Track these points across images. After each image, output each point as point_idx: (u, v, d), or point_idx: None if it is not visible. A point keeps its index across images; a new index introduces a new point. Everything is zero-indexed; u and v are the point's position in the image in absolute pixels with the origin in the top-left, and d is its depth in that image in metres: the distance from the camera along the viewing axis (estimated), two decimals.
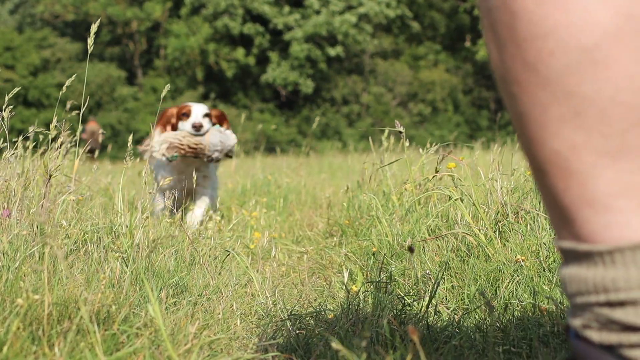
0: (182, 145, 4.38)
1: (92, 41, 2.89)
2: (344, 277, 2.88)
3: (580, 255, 0.91)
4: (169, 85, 3.40)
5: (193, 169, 4.57)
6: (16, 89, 2.96)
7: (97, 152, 12.36)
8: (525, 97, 0.91)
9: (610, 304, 0.88)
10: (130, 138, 3.39)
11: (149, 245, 2.78)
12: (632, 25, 0.85)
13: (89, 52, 3.05)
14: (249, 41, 34.83)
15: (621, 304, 0.87)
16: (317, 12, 33.48)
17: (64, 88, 3.09)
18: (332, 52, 33.41)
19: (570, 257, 0.93)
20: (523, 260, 2.50)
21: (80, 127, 3.32)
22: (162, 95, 3.35)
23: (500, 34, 0.92)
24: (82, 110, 3.13)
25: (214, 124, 4.68)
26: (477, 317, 2.24)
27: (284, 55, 34.12)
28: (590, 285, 0.89)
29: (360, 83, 35.65)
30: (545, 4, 0.87)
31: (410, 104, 35.66)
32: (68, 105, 3.42)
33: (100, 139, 14.67)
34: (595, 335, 0.90)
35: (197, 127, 4.47)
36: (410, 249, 2.50)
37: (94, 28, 2.88)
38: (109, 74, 33.95)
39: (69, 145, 3.36)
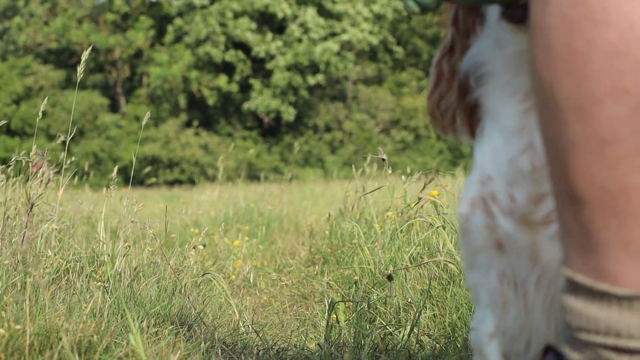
0: None
1: (82, 69, 2.89)
2: (325, 306, 2.89)
3: (595, 293, 0.88)
4: (149, 113, 3.37)
5: None
6: (1, 122, 2.96)
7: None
8: (582, 127, 0.84)
9: (618, 350, 0.86)
10: (115, 169, 3.39)
11: (130, 274, 2.78)
12: None
13: (78, 81, 3.07)
14: (231, 69, 34.95)
15: (630, 351, 0.86)
16: (299, 40, 33.65)
17: (40, 114, 3.10)
18: (312, 80, 33.52)
19: (582, 290, 0.89)
20: None
21: (63, 154, 3.32)
22: (143, 123, 3.35)
23: (563, 59, 0.85)
24: (69, 138, 3.14)
25: None
26: (459, 345, 2.25)
27: (266, 82, 34.22)
28: (601, 327, 0.87)
29: (343, 110, 35.77)
30: (630, 41, 0.81)
31: (393, 131, 35.76)
32: (59, 138, 3.28)
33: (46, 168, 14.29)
34: None
35: None
36: (389, 277, 2.52)
37: (85, 55, 2.88)
38: (91, 102, 33.84)
39: (51, 174, 3.36)
